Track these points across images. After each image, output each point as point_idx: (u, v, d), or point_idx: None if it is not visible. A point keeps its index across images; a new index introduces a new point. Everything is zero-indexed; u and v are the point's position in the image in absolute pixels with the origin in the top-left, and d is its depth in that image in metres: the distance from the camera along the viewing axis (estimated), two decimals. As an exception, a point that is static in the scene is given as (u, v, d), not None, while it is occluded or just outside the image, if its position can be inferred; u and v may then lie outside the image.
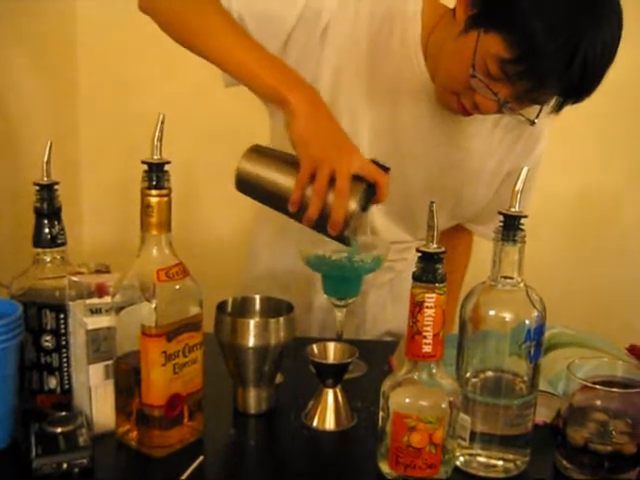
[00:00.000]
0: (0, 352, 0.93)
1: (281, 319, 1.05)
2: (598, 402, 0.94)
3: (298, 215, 1.08)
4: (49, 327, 1.02)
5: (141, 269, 0.93)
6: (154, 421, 0.94)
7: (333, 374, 1.05)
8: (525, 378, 0.93)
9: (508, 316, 0.92)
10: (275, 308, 1.11)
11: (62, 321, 1.01)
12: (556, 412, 1.03)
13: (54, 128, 2.00)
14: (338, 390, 1.06)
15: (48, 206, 1.03)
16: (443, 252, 0.83)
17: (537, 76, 1.13)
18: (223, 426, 1.06)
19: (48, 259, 1.04)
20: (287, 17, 1.22)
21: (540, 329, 0.92)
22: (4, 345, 0.93)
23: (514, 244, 0.91)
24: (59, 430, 0.94)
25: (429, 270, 0.82)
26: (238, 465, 0.99)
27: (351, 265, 1.16)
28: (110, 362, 0.98)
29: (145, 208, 0.91)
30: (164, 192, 0.91)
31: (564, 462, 0.95)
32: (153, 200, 0.91)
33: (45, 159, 1.04)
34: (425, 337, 0.84)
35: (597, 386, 0.93)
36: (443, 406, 0.86)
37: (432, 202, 0.83)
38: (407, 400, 0.87)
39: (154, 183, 0.91)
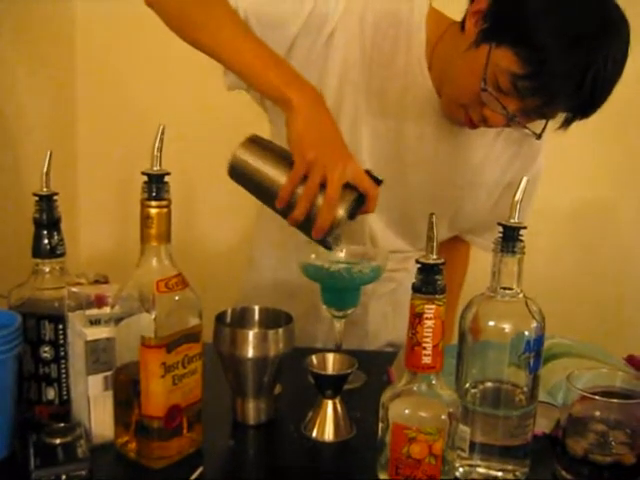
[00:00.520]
0: (-1, 363, 0.92)
1: (280, 330, 1.05)
2: (597, 413, 0.94)
3: (284, 212, 1.07)
4: (48, 338, 1.01)
5: (141, 280, 0.93)
6: (153, 432, 0.94)
7: (332, 385, 1.05)
8: (525, 389, 0.93)
9: (507, 327, 0.92)
10: (274, 319, 1.11)
11: (61, 332, 1.01)
12: (555, 423, 1.03)
13: (52, 138, 2.00)
14: (337, 401, 1.05)
15: (47, 217, 1.03)
16: (442, 263, 0.83)
17: (548, 93, 1.14)
18: (222, 437, 1.06)
19: (47, 270, 1.03)
20: (292, 22, 1.22)
21: (539, 340, 0.92)
22: (3, 356, 0.92)
23: (513, 255, 0.91)
24: (58, 441, 0.94)
25: (429, 281, 0.82)
26: (237, 476, 0.98)
27: (349, 276, 1.16)
28: (109, 373, 0.98)
29: (145, 219, 0.91)
30: (164, 203, 0.91)
31: (564, 473, 0.95)
32: (153, 211, 0.91)
33: (44, 170, 1.04)
34: (425, 348, 0.84)
35: (596, 397, 0.93)
36: (443, 417, 0.86)
37: (432, 214, 0.83)
38: (407, 411, 0.87)
39: (154, 194, 0.91)
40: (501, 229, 0.91)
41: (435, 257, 0.83)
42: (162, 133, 0.93)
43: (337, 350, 1.19)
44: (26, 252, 1.05)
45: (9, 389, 0.96)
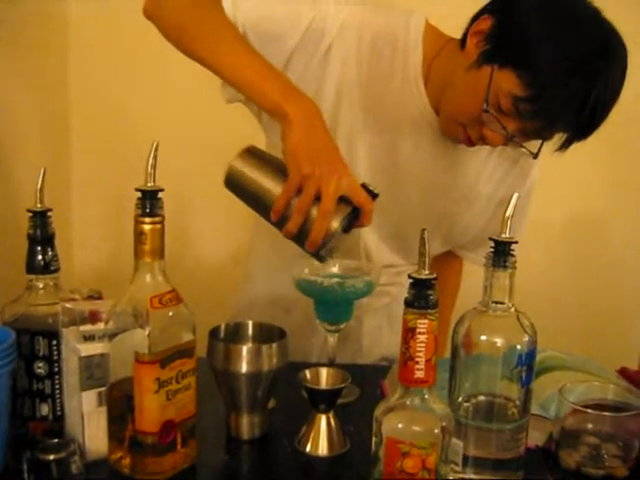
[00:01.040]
0: (-7, 380, 0.92)
1: (274, 345, 1.05)
2: (590, 426, 0.95)
3: (279, 224, 1.07)
4: (42, 354, 1.01)
5: (134, 296, 0.93)
6: (147, 448, 0.94)
7: (326, 399, 1.05)
8: (517, 402, 0.94)
9: (499, 341, 0.93)
10: (268, 334, 1.11)
11: (55, 348, 1.01)
12: (548, 435, 1.03)
13: (45, 153, 2.00)
14: (331, 415, 1.06)
15: (41, 233, 1.03)
16: (435, 278, 0.83)
17: (549, 117, 1.15)
18: (216, 452, 1.06)
19: (41, 285, 1.03)
20: (289, 37, 1.23)
21: (531, 354, 0.93)
22: (-3, 372, 0.92)
23: (505, 270, 0.91)
24: (51, 457, 0.93)
25: (421, 296, 0.83)
26: (231, 491, 0.99)
27: (342, 290, 1.16)
28: (103, 389, 0.98)
29: (138, 235, 0.92)
30: (157, 219, 0.92)
31: (557, 486, 0.95)
32: (146, 227, 0.91)
33: (38, 186, 1.04)
34: (418, 363, 0.84)
35: (588, 410, 0.93)
36: (436, 431, 0.86)
37: (423, 229, 0.83)
38: (400, 425, 0.87)
39: (147, 210, 0.91)
40: (492, 244, 0.92)
41: (427, 272, 0.83)
42: (156, 150, 0.93)
43: (330, 364, 1.19)
44: (20, 268, 1.05)
45: (3, 405, 0.96)
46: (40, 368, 1.02)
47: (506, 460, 0.94)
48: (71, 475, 0.91)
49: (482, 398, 0.94)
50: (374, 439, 0.89)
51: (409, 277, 0.83)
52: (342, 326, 1.21)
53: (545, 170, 1.43)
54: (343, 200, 1.04)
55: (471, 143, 1.25)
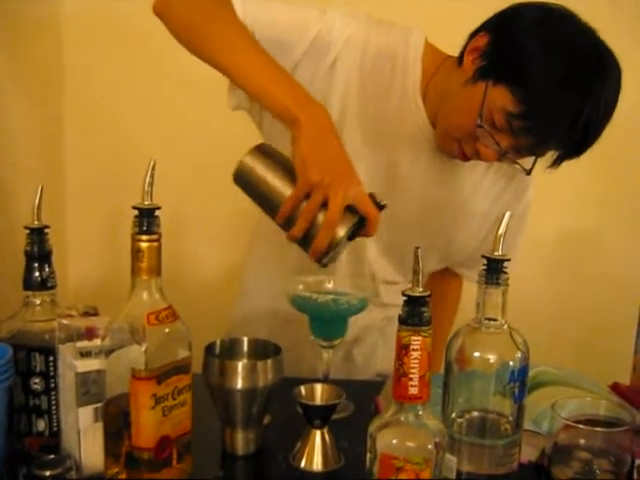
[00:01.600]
0: (-10, 395, 0.93)
1: (269, 361, 1.06)
2: (582, 441, 0.96)
3: (284, 227, 1.08)
4: (38, 370, 1.02)
5: (131, 312, 0.94)
6: (143, 463, 0.94)
7: (320, 415, 1.05)
8: (510, 418, 0.95)
9: (492, 357, 0.94)
10: (263, 350, 1.12)
11: (51, 364, 1.02)
12: (541, 451, 1.04)
13: (40, 169, 2.01)
14: (325, 431, 1.06)
15: (39, 250, 1.04)
16: (428, 296, 0.84)
17: (541, 134, 1.17)
18: (211, 468, 1.06)
19: (38, 302, 1.04)
20: (296, 47, 1.23)
21: (524, 370, 0.94)
22: (-6, 389, 0.93)
23: (497, 287, 0.93)
24: (47, 473, 0.93)
25: (415, 313, 0.83)
26: (227, 507, 0.99)
27: (336, 307, 1.17)
28: (99, 405, 0.98)
29: (136, 253, 0.92)
30: (154, 237, 0.92)
31: (549, 501, 0.96)
32: (144, 245, 0.92)
33: (36, 203, 1.05)
34: (411, 379, 0.85)
35: (580, 425, 0.94)
36: (429, 447, 0.87)
37: (417, 247, 0.84)
38: (394, 441, 0.88)
39: (144, 228, 0.92)
40: (485, 261, 0.93)
41: (421, 289, 0.84)
42: (153, 169, 0.94)
43: (325, 380, 1.20)
44: (17, 284, 1.06)
45: (0, 421, 0.96)
46: (37, 384, 1.02)
47: (499, 475, 0.95)
48: (67, 491, 0.91)
49: (475, 414, 0.95)
50: (368, 455, 0.90)
51: (403, 294, 0.84)
52: (336, 342, 1.22)
53: (538, 185, 1.44)
54: (349, 209, 1.05)
55: (466, 158, 1.26)
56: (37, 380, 1.02)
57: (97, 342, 0.98)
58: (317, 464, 1.05)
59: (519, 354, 0.94)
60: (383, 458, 0.87)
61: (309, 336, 1.25)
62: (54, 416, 1.04)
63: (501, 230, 0.93)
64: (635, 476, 0.98)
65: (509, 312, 0.95)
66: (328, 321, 1.21)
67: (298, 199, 1.05)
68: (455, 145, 1.25)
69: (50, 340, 1.02)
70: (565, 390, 1.15)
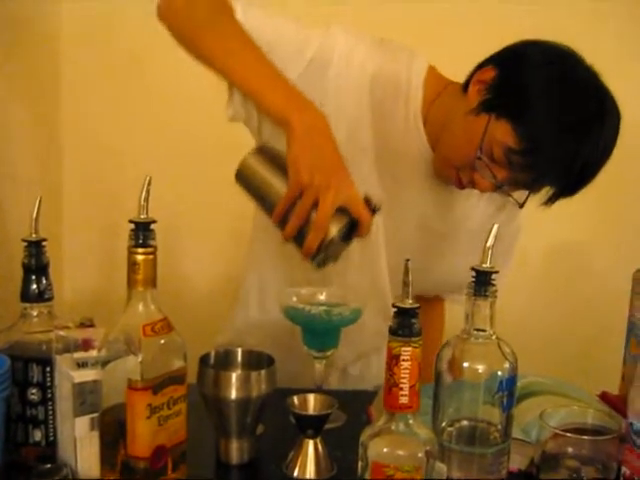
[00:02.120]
0: (-12, 406, 0.94)
1: (262, 372, 1.07)
2: (570, 449, 0.97)
3: (280, 227, 1.09)
4: (35, 380, 1.03)
5: (127, 324, 0.94)
6: (139, 473, 0.95)
7: (313, 425, 1.07)
8: (499, 427, 0.96)
9: (481, 368, 0.95)
10: (257, 361, 1.13)
11: (48, 374, 1.03)
12: (530, 459, 1.05)
13: (36, 181, 2.02)
14: (318, 440, 1.07)
15: (36, 262, 1.05)
16: (418, 307, 0.86)
17: (538, 172, 1.18)
18: (206, 477, 1.07)
19: (35, 313, 1.05)
20: (293, 65, 1.23)
21: (512, 380, 0.95)
22: (-8, 399, 0.94)
23: (485, 299, 0.94)
24: (44, 483, 0.95)
25: (405, 325, 0.85)
26: (221, 515, 1.00)
27: (329, 318, 1.18)
28: (96, 415, 0.99)
29: (131, 265, 0.93)
30: (150, 250, 0.93)
31: (538, 509, 0.98)
32: (139, 258, 0.93)
33: (34, 215, 1.06)
34: (402, 389, 0.86)
35: (568, 434, 0.96)
36: (420, 455, 0.88)
37: (407, 260, 0.86)
38: (385, 450, 0.89)
39: (140, 241, 0.93)
40: (474, 273, 0.95)
41: (411, 301, 0.86)
42: (148, 184, 0.95)
43: (317, 390, 1.21)
44: (14, 296, 1.07)
45: (-3, 431, 0.97)
46: (34, 394, 1.03)
47: (489, 483, 0.96)
48: (64, 500, 0.92)
49: (465, 423, 0.97)
50: (360, 463, 0.91)
51: (393, 306, 0.86)
52: (329, 353, 1.23)
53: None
54: (343, 211, 1.06)
55: (461, 186, 1.27)
56: (34, 390, 1.03)
57: (93, 353, 1.00)
58: (310, 473, 1.06)
59: (507, 364, 0.95)
60: (375, 466, 0.88)
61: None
62: (51, 426, 1.05)
63: (489, 242, 0.95)
64: (622, 483, 1.00)
65: (500, 324, 0.96)
66: (320, 332, 1.22)
67: (291, 200, 1.07)
68: (453, 172, 1.26)
69: (47, 351, 1.03)
70: (554, 399, 1.17)
